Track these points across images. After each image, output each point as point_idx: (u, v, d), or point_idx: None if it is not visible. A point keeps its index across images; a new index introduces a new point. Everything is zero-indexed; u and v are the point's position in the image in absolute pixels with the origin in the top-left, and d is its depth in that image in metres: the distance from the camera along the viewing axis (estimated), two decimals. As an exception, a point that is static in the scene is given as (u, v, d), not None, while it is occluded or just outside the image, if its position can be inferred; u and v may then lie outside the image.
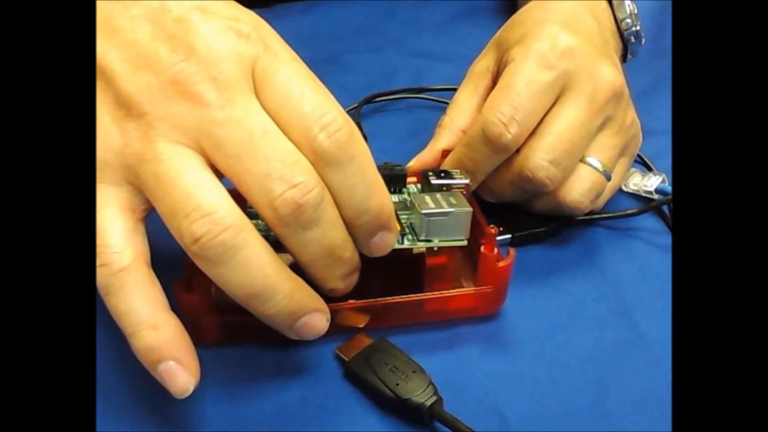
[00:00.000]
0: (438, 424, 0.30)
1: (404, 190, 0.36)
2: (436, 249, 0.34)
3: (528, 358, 0.33)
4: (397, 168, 0.36)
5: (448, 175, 0.36)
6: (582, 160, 0.37)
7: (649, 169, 0.45)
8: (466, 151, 0.38)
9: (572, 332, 0.35)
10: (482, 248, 0.34)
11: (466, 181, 0.36)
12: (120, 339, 0.27)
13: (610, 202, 0.41)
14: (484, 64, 0.41)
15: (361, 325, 0.34)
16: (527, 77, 0.36)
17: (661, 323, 0.35)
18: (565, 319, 0.35)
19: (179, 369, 0.27)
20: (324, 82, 0.29)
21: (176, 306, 0.29)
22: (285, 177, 0.27)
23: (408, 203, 0.35)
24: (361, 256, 0.31)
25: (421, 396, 0.30)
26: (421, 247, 0.33)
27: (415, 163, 0.40)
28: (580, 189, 0.37)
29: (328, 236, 0.28)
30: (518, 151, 0.37)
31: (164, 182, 0.27)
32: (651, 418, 0.31)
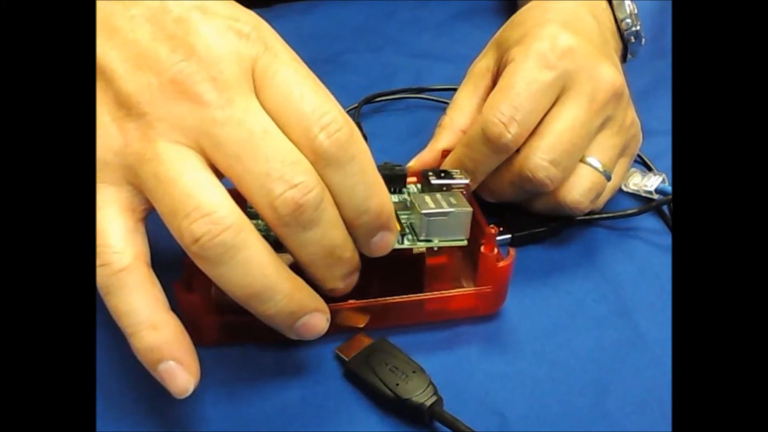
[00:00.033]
0: (438, 424, 0.30)
1: (404, 190, 0.36)
2: (436, 249, 0.34)
3: (528, 358, 0.33)
4: (397, 168, 0.36)
5: (448, 175, 0.36)
6: (582, 160, 0.37)
7: (649, 169, 0.45)
8: (466, 151, 0.38)
9: (572, 332, 0.35)
10: (482, 248, 0.34)
11: (466, 181, 0.36)
12: (120, 339, 0.27)
13: (610, 202, 0.41)
14: (484, 64, 0.41)
15: (361, 325, 0.34)
16: (527, 77, 0.36)
17: (661, 323, 0.35)
18: (565, 319, 0.35)
19: (179, 369, 0.27)
20: (324, 82, 0.29)
21: (176, 306, 0.29)
22: (285, 177, 0.27)
23: (408, 203, 0.35)
24: (361, 256, 0.31)
25: (421, 396, 0.30)
26: (421, 247, 0.33)
27: (415, 163, 0.40)
28: (580, 189, 0.37)
29: (328, 236, 0.28)
30: (518, 151, 0.37)
31: (164, 182, 0.27)
32: (651, 418, 0.31)
